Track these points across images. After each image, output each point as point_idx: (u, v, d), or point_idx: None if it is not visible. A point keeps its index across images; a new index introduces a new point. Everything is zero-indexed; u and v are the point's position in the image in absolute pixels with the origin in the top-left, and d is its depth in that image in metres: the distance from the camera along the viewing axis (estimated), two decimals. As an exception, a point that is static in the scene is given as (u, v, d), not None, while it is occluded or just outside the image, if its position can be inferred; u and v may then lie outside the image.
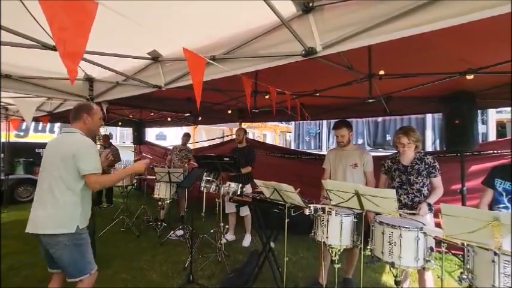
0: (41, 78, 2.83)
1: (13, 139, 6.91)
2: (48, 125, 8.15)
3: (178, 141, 5.60)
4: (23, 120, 5.60)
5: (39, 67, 2.68)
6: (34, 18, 1.67)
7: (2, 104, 4.58)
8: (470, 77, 2.60)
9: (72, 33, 1.01)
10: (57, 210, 1.86)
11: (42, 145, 8.71)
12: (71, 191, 1.90)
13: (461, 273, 1.71)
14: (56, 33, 0.97)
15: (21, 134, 8.48)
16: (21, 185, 6.79)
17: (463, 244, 1.69)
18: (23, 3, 1.53)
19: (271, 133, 17.99)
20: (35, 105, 3.82)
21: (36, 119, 5.11)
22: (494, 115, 9.26)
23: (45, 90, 3.02)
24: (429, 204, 2.39)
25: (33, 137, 8.79)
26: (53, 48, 1.89)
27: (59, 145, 1.99)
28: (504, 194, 2.22)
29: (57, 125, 8.88)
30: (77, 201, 1.92)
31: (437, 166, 2.49)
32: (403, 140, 2.48)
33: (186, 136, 5.47)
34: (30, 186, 6.89)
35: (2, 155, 6.69)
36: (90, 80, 3.10)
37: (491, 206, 2.28)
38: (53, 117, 4.87)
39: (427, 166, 2.49)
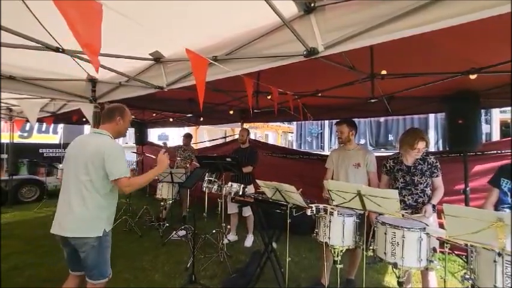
0: (44, 79, 2.85)
1: (17, 140, 6.96)
2: (52, 125, 8.20)
3: (180, 142, 5.61)
4: (27, 121, 5.65)
5: (43, 68, 2.70)
6: (38, 20, 1.69)
7: (6, 105, 4.62)
8: (473, 76, 2.58)
9: (86, 28, 1.07)
10: (85, 213, 1.86)
11: (46, 146, 8.81)
12: (99, 194, 1.89)
13: (464, 273, 1.70)
14: (72, 28, 1.04)
15: (25, 134, 8.53)
16: (25, 186, 6.84)
17: (466, 245, 1.68)
18: (26, 5, 1.55)
19: (273, 133, 17.98)
20: (39, 106, 3.85)
21: (40, 120, 5.15)
22: (498, 115, 9.21)
23: (49, 91, 3.05)
24: (433, 206, 2.38)
25: (36, 138, 8.84)
26: (56, 50, 1.91)
27: (86, 146, 1.94)
28: (509, 194, 2.20)
29: (61, 125, 8.93)
30: (104, 205, 1.92)
31: (439, 166, 2.48)
32: (421, 145, 2.42)
33: (189, 137, 5.47)
34: (34, 187, 6.95)
35: (6, 156, 6.77)
36: (93, 81, 3.12)
37: (497, 206, 2.26)
38: (57, 118, 4.91)
39: (429, 166, 2.48)
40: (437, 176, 2.47)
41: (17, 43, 1.77)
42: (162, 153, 2.12)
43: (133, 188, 1.96)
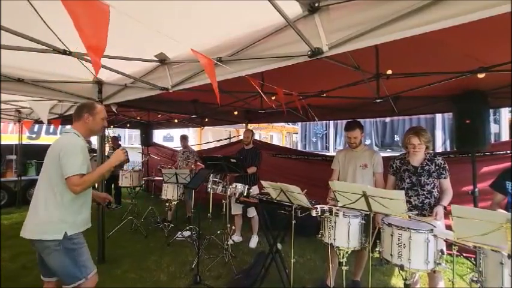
0: (52, 81, 2.90)
1: (25, 141, 7.08)
2: (59, 127, 8.36)
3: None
4: (35, 122, 5.76)
5: (51, 71, 2.75)
6: (45, 23, 1.72)
7: (15, 107, 4.71)
8: (481, 75, 2.54)
9: (93, 28, 1.08)
10: (44, 215, 1.78)
11: (54, 147, 8.91)
12: (59, 195, 1.79)
13: (473, 275, 1.67)
14: (78, 28, 1.05)
15: (33, 136, 8.69)
16: (33, 186, 6.92)
17: (474, 247, 1.65)
18: (35, 8, 1.57)
19: (278, 134, 17.95)
20: (48, 107, 3.93)
21: (48, 122, 5.24)
22: (507, 114, 9.02)
23: (57, 93, 3.10)
24: (444, 208, 2.32)
25: (44, 139, 9.00)
26: (64, 53, 1.94)
27: (52, 147, 1.90)
28: None
29: (68, 127, 9.10)
30: (67, 206, 1.81)
31: (447, 167, 2.43)
32: (414, 141, 2.41)
33: (184, 139, 5.44)
34: (42, 187, 7.05)
35: (15, 157, 6.89)
36: (99, 83, 3.16)
37: (507, 210, 2.22)
38: (64, 119, 4.99)
39: (437, 167, 2.43)
40: (445, 177, 2.42)
41: (25, 46, 1.80)
42: (120, 149, 2.04)
43: (85, 186, 1.80)
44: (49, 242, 1.76)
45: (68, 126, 2.01)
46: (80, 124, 1.97)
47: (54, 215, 1.78)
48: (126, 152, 2.06)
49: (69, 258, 1.80)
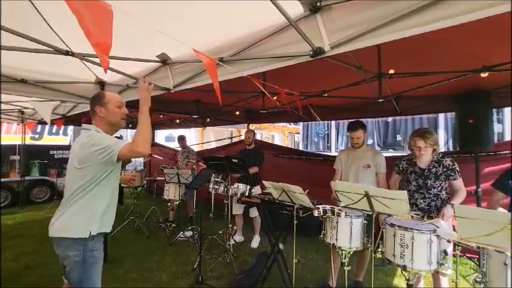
0: (54, 82, 2.92)
1: (28, 141, 7.14)
2: (62, 127, 8.41)
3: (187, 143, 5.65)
4: (38, 122, 5.80)
5: (53, 72, 2.76)
6: (48, 24, 1.73)
7: (18, 107, 4.74)
8: (484, 74, 2.52)
9: (98, 26, 1.08)
10: (70, 213, 1.65)
11: (56, 147, 8.99)
12: (83, 194, 1.64)
13: (476, 276, 1.66)
14: (83, 27, 1.05)
15: (36, 136, 8.76)
16: (36, 186, 7.00)
17: (478, 247, 1.64)
18: (37, 9, 1.58)
19: (279, 134, 17.94)
20: (51, 107, 3.95)
21: (50, 122, 5.27)
22: (510, 114, 8.95)
23: (59, 93, 3.11)
24: (453, 206, 2.28)
25: (47, 140, 9.06)
26: (66, 53, 1.94)
27: (73, 146, 1.77)
28: None
29: (71, 127, 9.15)
30: (93, 207, 1.67)
31: (457, 168, 2.37)
32: (420, 144, 2.36)
33: (182, 139, 5.44)
34: (45, 187, 7.11)
35: (18, 157, 6.94)
36: (101, 84, 3.17)
37: (509, 209, 2.21)
38: (67, 120, 5.02)
39: (445, 169, 2.38)
40: (455, 179, 2.36)
41: (28, 47, 1.81)
42: (144, 85, 1.71)
43: (140, 144, 1.56)
44: (72, 241, 1.62)
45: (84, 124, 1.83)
46: (96, 120, 1.76)
47: (80, 214, 1.64)
48: (151, 84, 1.74)
49: (85, 272, 1.65)
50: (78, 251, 1.63)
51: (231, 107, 4.81)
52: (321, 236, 2.32)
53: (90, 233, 1.64)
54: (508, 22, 1.49)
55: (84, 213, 1.66)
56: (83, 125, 1.80)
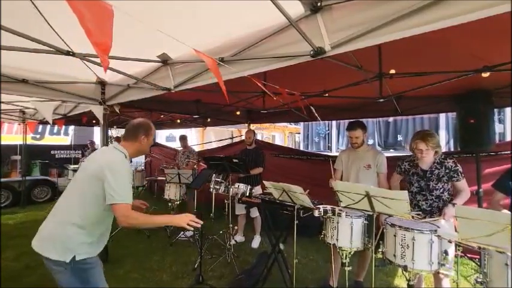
0: (55, 82, 2.92)
1: (30, 141, 7.15)
2: (63, 127, 8.45)
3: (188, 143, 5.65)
4: (40, 122, 5.81)
5: (54, 72, 2.77)
6: (49, 24, 1.73)
7: (19, 107, 4.75)
8: (486, 74, 2.51)
9: (98, 26, 1.08)
10: (57, 231, 1.63)
11: (57, 147, 9.01)
12: (85, 215, 1.61)
13: (477, 277, 1.66)
14: (84, 26, 1.05)
15: (37, 136, 8.79)
16: (37, 186, 7.01)
17: (479, 248, 1.63)
18: (38, 10, 1.58)
19: (280, 134, 17.93)
20: (52, 107, 3.96)
21: (52, 122, 5.29)
22: (511, 114, 8.92)
23: (60, 93, 3.12)
24: (454, 206, 2.25)
25: (48, 140, 9.09)
26: (67, 53, 1.95)
27: (95, 159, 1.72)
28: None
29: (71, 127, 9.17)
30: (89, 229, 1.63)
31: (460, 170, 2.35)
32: (421, 146, 2.34)
33: (183, 139, 5.44)
34: (46, 187, 7.13)
35: (20, 157, 6.96)
36: (102, 84, 3.18)
37: (509, 210, 2.20)
38: (67, 120, 5.03)
39: (447, 171, 2.36)
40: (458, 180, 2.35)
41: (29, 47, 1.81)
42: (187, 217, 1.73)
43: (132, 222, 1.57)
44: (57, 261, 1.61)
45: (116, 143, 1.80)
46: (132, 144, 1.78)
47: (65, 235, 1.61)
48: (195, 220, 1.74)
49: (79, 280, 1.62)
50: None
51: (232, 107, 4.81)
52: (322, 236, 2.32)
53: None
54: (508, 22, 1.49)
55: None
56: (115, 143, 1.79)
